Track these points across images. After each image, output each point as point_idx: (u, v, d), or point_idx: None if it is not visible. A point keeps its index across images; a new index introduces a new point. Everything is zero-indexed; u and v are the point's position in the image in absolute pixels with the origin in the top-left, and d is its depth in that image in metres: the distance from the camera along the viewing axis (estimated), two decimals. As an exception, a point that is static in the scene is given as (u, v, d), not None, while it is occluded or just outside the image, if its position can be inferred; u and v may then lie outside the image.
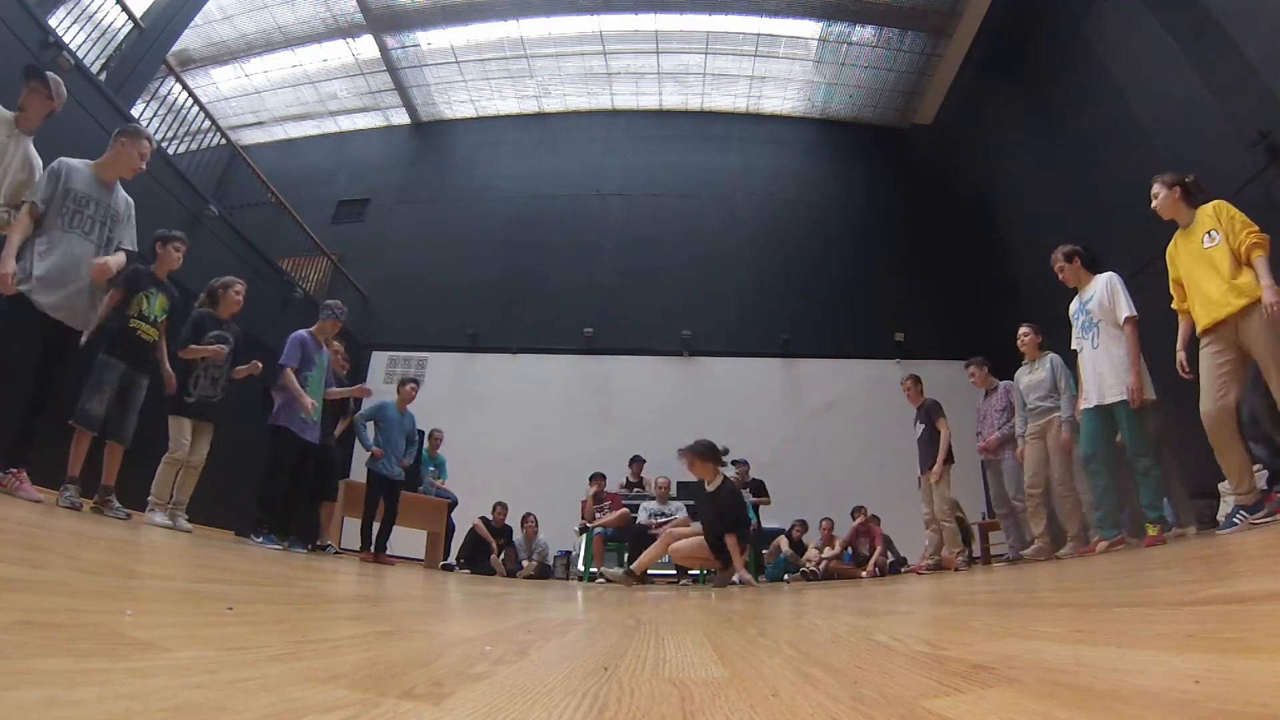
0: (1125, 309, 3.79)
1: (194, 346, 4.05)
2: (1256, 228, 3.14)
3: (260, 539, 4.23)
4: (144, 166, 3.59)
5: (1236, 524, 3.03)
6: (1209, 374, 3.18)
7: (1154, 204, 3.53)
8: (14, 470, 3.05)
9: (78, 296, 3.25)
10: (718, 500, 4.83)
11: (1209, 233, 3.25)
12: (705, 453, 4.88)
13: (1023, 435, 4.72)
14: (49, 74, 3.24)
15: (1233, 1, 5.42)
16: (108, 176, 3.45)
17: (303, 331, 4.76)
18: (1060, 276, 4.25)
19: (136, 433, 3.78)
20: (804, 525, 7.61)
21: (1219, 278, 3.16)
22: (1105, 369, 3.85)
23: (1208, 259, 3.23)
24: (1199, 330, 3.28)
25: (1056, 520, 4.53)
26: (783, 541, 7.55)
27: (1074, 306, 4.19)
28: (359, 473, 5.94)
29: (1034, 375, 4.72)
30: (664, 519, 6.18)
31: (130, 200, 3.57)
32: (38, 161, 3.18)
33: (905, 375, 5.93)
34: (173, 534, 3.50)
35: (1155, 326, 3.87)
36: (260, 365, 4.39)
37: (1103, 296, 3.92)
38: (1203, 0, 5.64)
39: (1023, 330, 4.89)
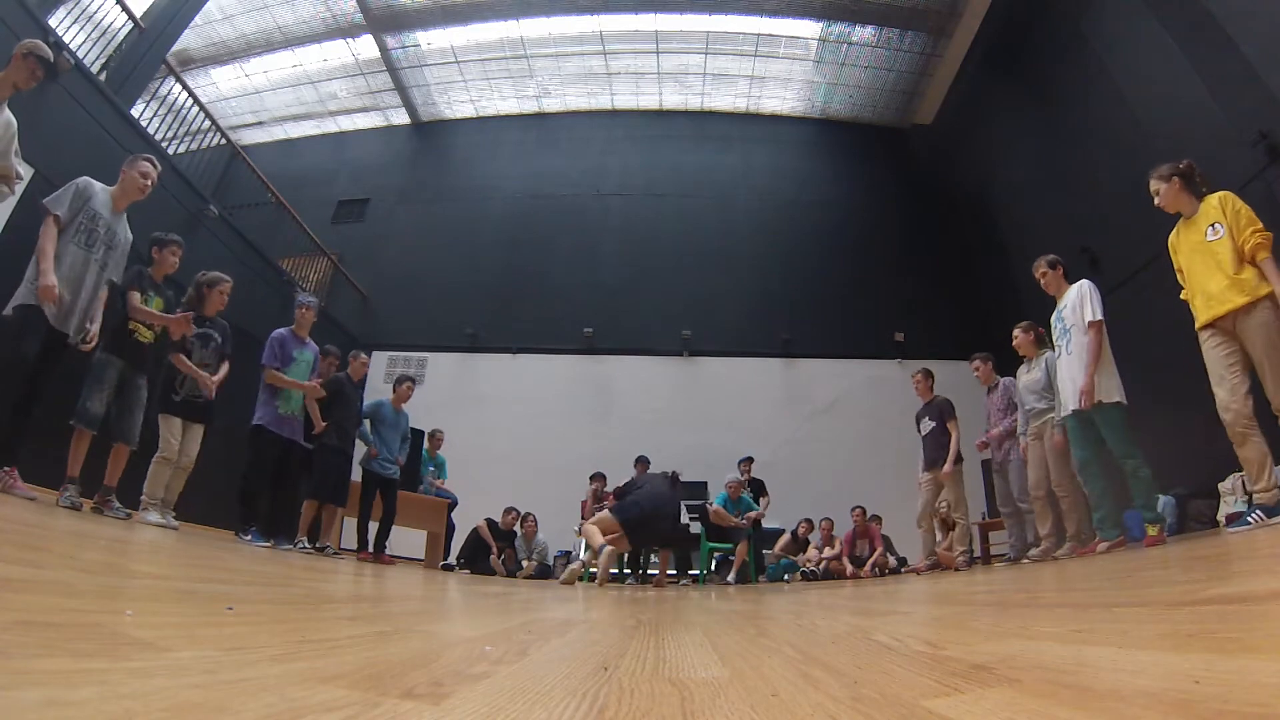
0: (1089, 313, 3.83)
1: (183, 358, 4.06)
2: (1260, 225, 3.05)
3: (248, 536, 4.24)
4: (149, 185, 3.69)
5: (1250, 523, 2.92)
6: (1217, 368, 3.09)
7: (1157, 201, 3.45)
8: (6, 469, 3.07)
9: (76, 305, 3.36)
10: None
11: (1213, 225, 3.15)
12: None
13: (1024, 434, 4.71)
14: (52, 58, 3.25)
15: (1232, 1, 5.42)
16: (119, 205, 3.61)
17: (282, 330, 4.81)
18: (1043, 284, 4.29)
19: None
20: (810, 524, 7.62)
21: (1220, 273, 3.07)
22: (1079, 375, 3.87)
23: (1210, 252, 3.14)
24: (1198, 325, 3.21)
25: (1063, 522, 4.54)
26: (787, 540, 7.56)
27: (1054, 316, 4.24)
28: (355, 472, 5.93)
29: (1031, 375, 4.68)
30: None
31: (130, 237, 3.70)
32: (14, 123, 3.20)
33: (917, 369, 5.85)
34: (167, 533, 3.50)
35: (1154, 329, 3.87)
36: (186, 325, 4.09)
37: (1075, 304, 3.97)
38: (1203, 0, 5.64)
39: (1016, 331, 4.86)
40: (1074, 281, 4.18)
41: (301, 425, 4.76)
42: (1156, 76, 6.38)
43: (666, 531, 5.04)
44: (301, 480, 4.96)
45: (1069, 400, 3.96)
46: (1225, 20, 5.45)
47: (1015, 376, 4.93)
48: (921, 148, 11.72)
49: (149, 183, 3.69)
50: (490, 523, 7.33)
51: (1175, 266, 3.42)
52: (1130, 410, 3.77)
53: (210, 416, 4.19)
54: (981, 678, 0.66)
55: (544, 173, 11.80)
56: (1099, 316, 3.81)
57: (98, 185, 3.51)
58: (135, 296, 3.72)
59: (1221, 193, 3.24)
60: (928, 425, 5.50)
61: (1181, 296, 3.43)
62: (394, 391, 5.71)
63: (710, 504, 6.69)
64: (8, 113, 3.13)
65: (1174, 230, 3.43)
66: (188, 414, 4.05)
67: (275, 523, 4.60)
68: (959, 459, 5.31)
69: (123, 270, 3.69)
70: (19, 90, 3.16)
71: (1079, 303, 3.93)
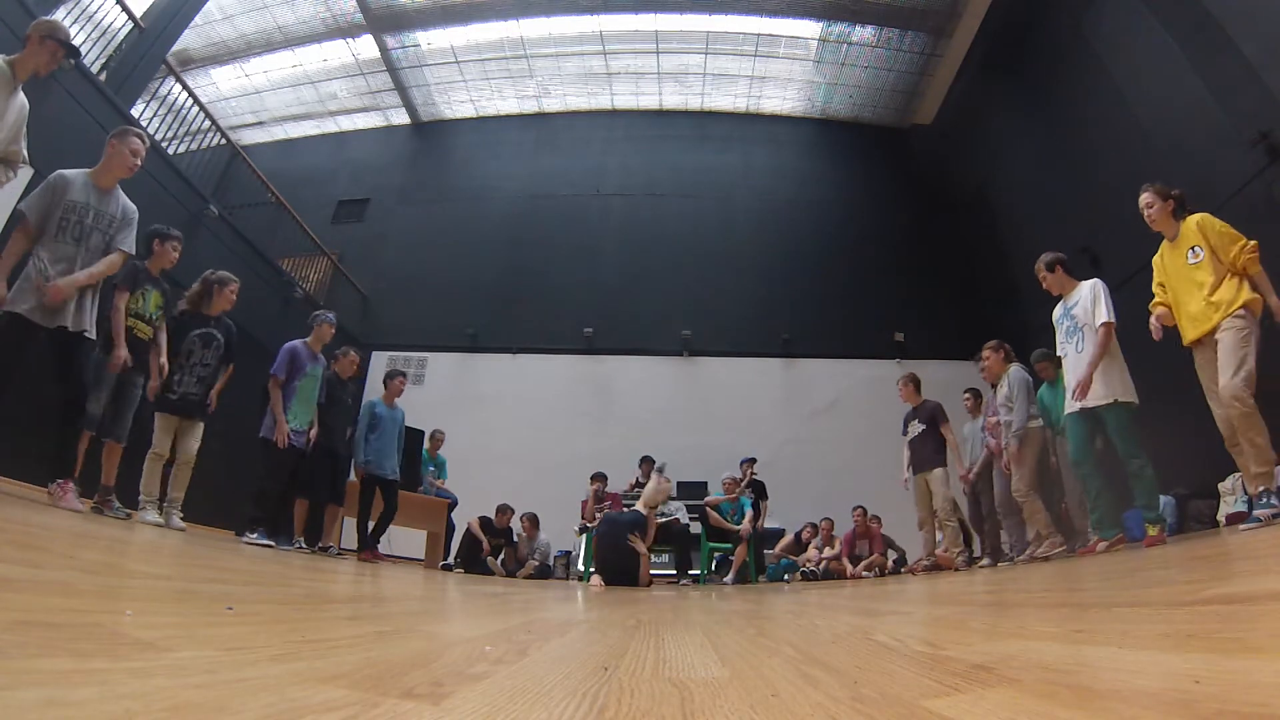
0: (1103, 314, 3.87)
1: (158, 346, 3.95)
2: (1244, 238, 3.22)
3: (255, 536, 4.23)
4: (138, 163, 3.49)
5: (1259, 519, 2.98)
6: (1211, 385, 3.28)
7: (1148, 213, 3.61)
8: (60, 481, 3.06)
9: (73, 304, 3.21)
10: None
11: (1192, 248, 3.37)
12: None
13: (1016, 436, 4.80)
14: (71, 39, 3.21)
15: (1232, 1, 5.42)
16: (104, 182, 3.39)
17: (296, 342, 4.73)
18: (1044, 285, 4.31)
19: (131, 431, 3.77)
20: (814, 529, 7.61)
21: (1199, 294, 3.30)
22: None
23: (1190, 275, 3.36)
24: (1186, 342, 3.42)
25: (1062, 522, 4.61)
26: (789, 541, 7.57)
27: (1058, 312, 4.26)
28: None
29: (1000, 391, 4.89)
30: (663, 519, 6.18)
31: (133, 207, 3.51)
32: (26, 105, 3.11)
33: (901, 375, 5.88)
34: (167, 533, 3.49)
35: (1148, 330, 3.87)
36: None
37: (1087, 302, 3.99)
38: (1203, 0, 5.64)
39: (985, 351, 5.02)
40: (1080, 279, 4.18)
41: (305, 435, 4.74)
42: (1156, 76, 6.38)
43: (618, 566, 5.06)
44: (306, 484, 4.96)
45: (1074, 398, 3.97)
46: (1225, 20, 5.44)
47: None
48: (921, 148, 11.71)
49: (139, 161, 3.47)
50: (484, 520, 7.31)
51: (1155, 281, 3.61)
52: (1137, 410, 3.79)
53: (206, 413, 4.11)
54: (981, 678, 0.66)
55: (544, 173, 11.80)
56: (1110, 318, 3.84)
57: (73, 173, 3.26)
58: (124, 297, 3.63)
59: (1198, 215, 3.42)
60: (916, 428, 5.51)
61: (1150, 306, 3.62)
62: (385, 386, 5.63)
63: (708, 497, 6.71)
64: (22, 95, 3.04)
65: (1159, 251, 3.62)
66: (183, 410, 3.98)
67: (276, 524, 4.60)
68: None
69: (132, 241, 3.47)
70: (38, 76, 3.08)
71: (1091, 302, 3.95)
